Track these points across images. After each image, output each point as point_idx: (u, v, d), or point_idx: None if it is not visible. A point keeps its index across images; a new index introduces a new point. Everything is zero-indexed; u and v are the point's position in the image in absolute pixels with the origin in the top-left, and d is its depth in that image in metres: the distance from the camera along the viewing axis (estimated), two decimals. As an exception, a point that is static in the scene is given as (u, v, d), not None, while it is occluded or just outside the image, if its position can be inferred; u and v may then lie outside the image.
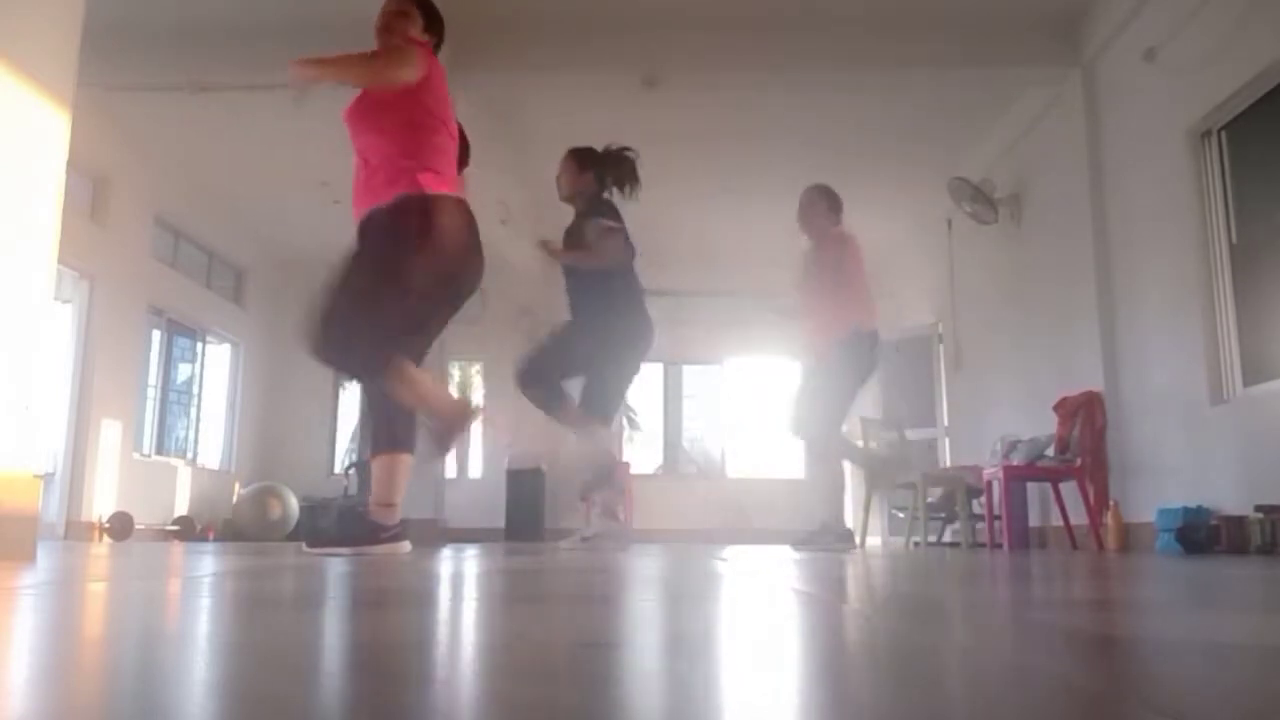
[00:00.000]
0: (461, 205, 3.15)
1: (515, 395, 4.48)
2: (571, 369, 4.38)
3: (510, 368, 4.41)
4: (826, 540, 4.83)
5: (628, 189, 4.51)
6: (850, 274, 4.95)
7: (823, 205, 5.13)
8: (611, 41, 6.26)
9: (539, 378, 4.30)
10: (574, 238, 4.41)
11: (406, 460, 3.22)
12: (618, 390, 4.48)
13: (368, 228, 3.09)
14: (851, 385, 4.92)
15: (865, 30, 6.18)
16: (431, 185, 3.06)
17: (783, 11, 6.12)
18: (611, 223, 4.33)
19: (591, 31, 6.25)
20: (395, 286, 2.99)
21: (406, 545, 3.20)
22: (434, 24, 3.42)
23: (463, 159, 3.39)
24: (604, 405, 4.37)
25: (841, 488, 5.02)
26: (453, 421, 3.03)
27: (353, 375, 3.07)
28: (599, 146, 4.62)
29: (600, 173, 4.48)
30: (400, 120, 3.12)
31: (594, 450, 4.34)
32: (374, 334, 2.99)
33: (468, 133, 3.53)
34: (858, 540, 5.74)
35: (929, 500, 6.67)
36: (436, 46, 3.43)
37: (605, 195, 4.50)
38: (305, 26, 5.99)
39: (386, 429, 3.20)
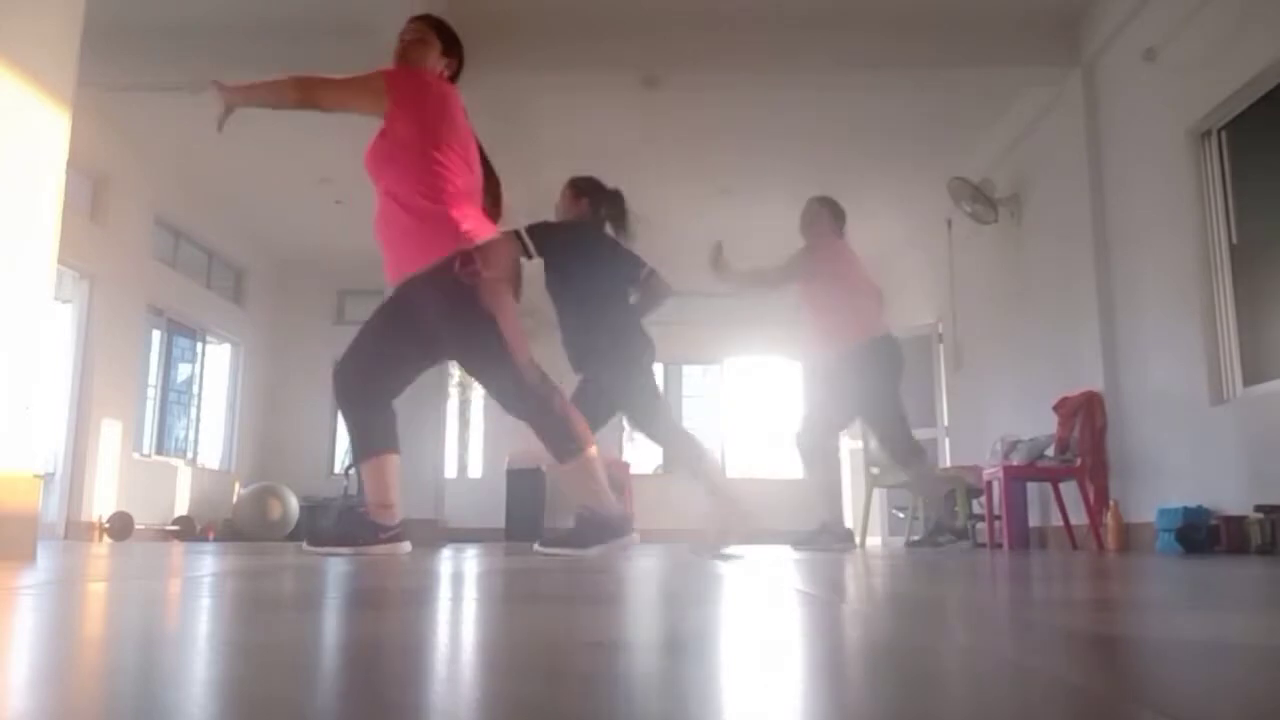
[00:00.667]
0: (508, 239, 3.23)
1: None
2: (632, 400, 4.30)
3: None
4: (826, 540, 4.83)
5: (619, 228, 4.37)
6: (848, 284, 4.94)
7: (826, 216, 5.13)
8: (611, 41, 6.26)
9: (644, 425, 4.24)
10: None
11: (393, 460, 3.22)
12: (609, 404, 4.37)
13: (432, 289, 3.06)
14: (847, 393, 4.91)
15: (865, 30, 6.19)
16: (476, 231, 3.06)
17: (783, 12, 6.12)
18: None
19: (591, 31, 6.25)
20: (513, 346, 3.07)
21: (406, 545, 3.20)
22: (452, 48, 3.40)
23: (493, 195, 3.39)
24: (592, 419, 4.28)
25: (839, 488, 5.03)
26: (604, 526, 3.14)
27: (559, 450, 3.17)
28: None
29: (595, 203, 4.37)
30: (419, 159, 3.08)
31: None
32: (550, 402, 3.11)
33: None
34: (858, 540, 5.74)
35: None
36: (457, 70, 3.42)
37: (599, 225, 4.36)
38: (305, 27, 6.00)
39: (363, 435, 3.21)
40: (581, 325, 4.21)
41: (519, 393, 3.09)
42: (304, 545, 3.34)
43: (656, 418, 4.26)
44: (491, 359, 3.08)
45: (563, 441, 3.15)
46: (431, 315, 3.09)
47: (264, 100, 3.03)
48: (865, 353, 4.83)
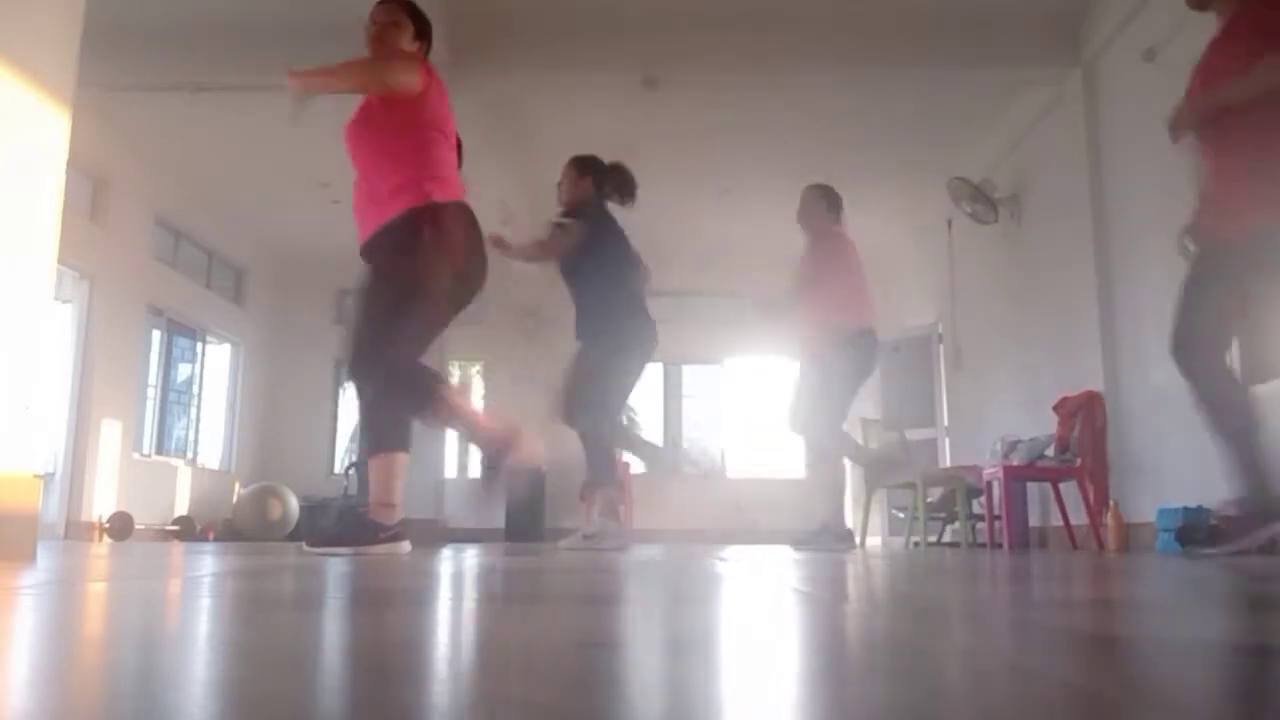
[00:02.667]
0: (466, 210, 3.17)
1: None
2: (604, 386, 4.37)
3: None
4: (826, 540, 4.83)
5: (625, 198, 4.57)
6: (846, 272, 4.97)
7: (823, 205, 5.17)
8: (611, 41, 6.26)
9: (583, 409, 4.31)
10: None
11: (402, 460, 3.22)
12: (621, 392, 4.47)
13: (378, 245, 3.09)
14: (849, 384, 4.94)
15: (865, 30, 6.19)
16: (437, 193, 3.07)
17: (783, 11, 6.12)
18: (564, 220, 4.33)
19: (591, 31, 6.25)
20: (420, 303, 3.03)
21: (406, 545, 3.20)
22: (424, 31, 3.38)
23: (457, 160, 3.40)
24: (604, 402, 4.38)
25: (842, 488, 5.03)
26: (503, 445, 3.02)
27: (407, 409, 3.13)
28: (600, 148, 4.66)
29: (599, 180, 4.52)
30: (400, 134, 3.11)
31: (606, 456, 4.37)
32: (414, 360, 3.03)
33: (466, 132, 3.54)
34: (858, 540, 5.74)
35: (929, 500, 6.67)
36: (425, 54, 3.42)
37: (602, 203, 4.52)
38: (305, 26, 5.99)
39: (379, 429, 3.20)
40: (607, 301, 4.36)
41: (373, 360, 3.00)
42: (303, 546, 3.34)
43: (609, 391, 4.36)
44: (371, 310, 3.03)
45: (381, 432, 3.14)
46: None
47: (331, 89, 3.03)
48: (845, 343, 4.87)
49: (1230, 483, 2.88)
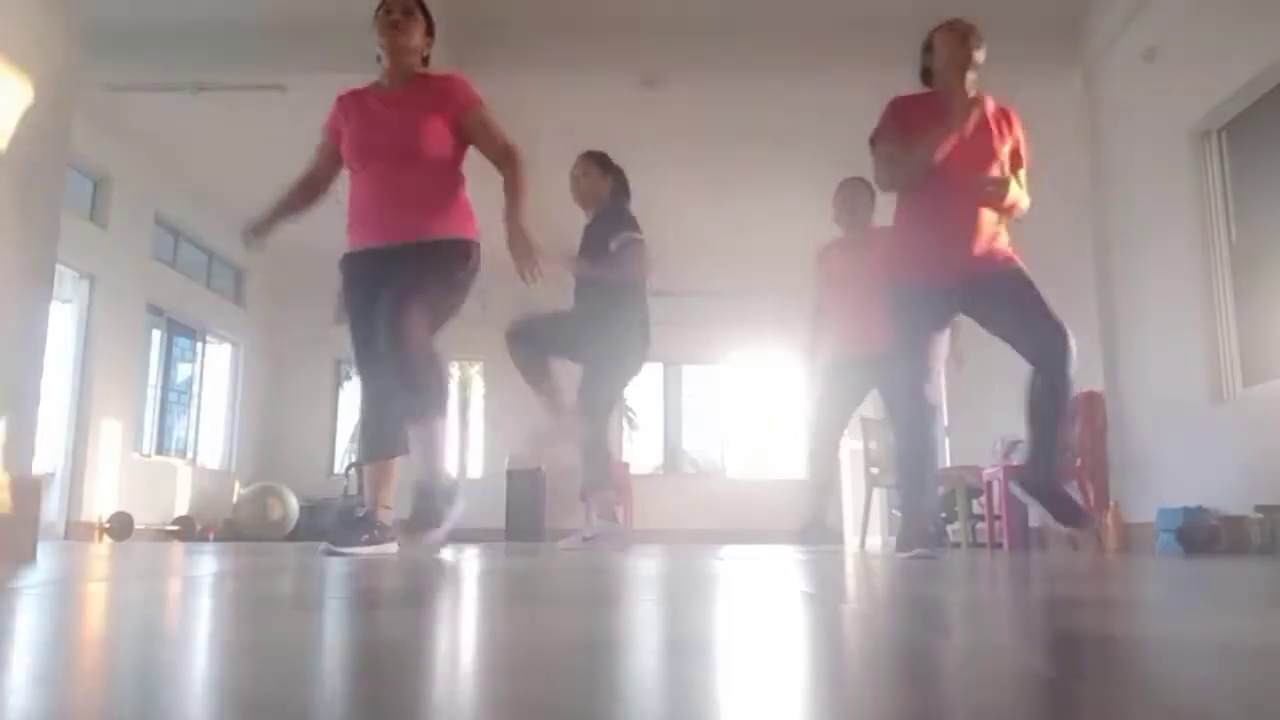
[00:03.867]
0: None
1: (517, 396, 4.45)
2: (561, 347, 4.37)
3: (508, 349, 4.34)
4: (809, 536, 4.86)
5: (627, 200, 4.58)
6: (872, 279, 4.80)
7: (866, 198, 4.83)
8: (611, 41, 6.26)
9: (529, 340, 4.31)
10: (593, 242, 4.39)
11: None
12: (614, 391, 4.46)
13: (429, 252, 3.12)
14: (851, 395, 4.84)
15: (865, 30, 6.19)
16: (475, 230, 3.24)
17: (783, 12, 6.12)
18: (637, 234, 4.30)
19: (591, 31, 6.25)
20: (445, 321, 3.17)
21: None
22: (431, 29, 3.38)
23: None
24: (599, 404, 4.37)
25: (825, 488, 5.01)
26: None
27: (421, 401, 3.11)
28: (602, 148, 4.65)
29: (616, 179, 4.52)
30: (455, 160, 3.30)
31: (580, 438, 4.32)
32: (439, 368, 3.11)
33: None
34: (858, 540, 5.74)
35: (929, 500, 6.66)
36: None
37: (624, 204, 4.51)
38: (305, 27, 6.00)
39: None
40: (610, 292, 4.34)
41: (418, 346, 3.03)
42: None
43: (602, 389, 4.34)
44: (421, 302, 3.08)
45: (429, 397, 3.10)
46: (418, 271, 3.10)
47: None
48: (846, 364, 4.75)
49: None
